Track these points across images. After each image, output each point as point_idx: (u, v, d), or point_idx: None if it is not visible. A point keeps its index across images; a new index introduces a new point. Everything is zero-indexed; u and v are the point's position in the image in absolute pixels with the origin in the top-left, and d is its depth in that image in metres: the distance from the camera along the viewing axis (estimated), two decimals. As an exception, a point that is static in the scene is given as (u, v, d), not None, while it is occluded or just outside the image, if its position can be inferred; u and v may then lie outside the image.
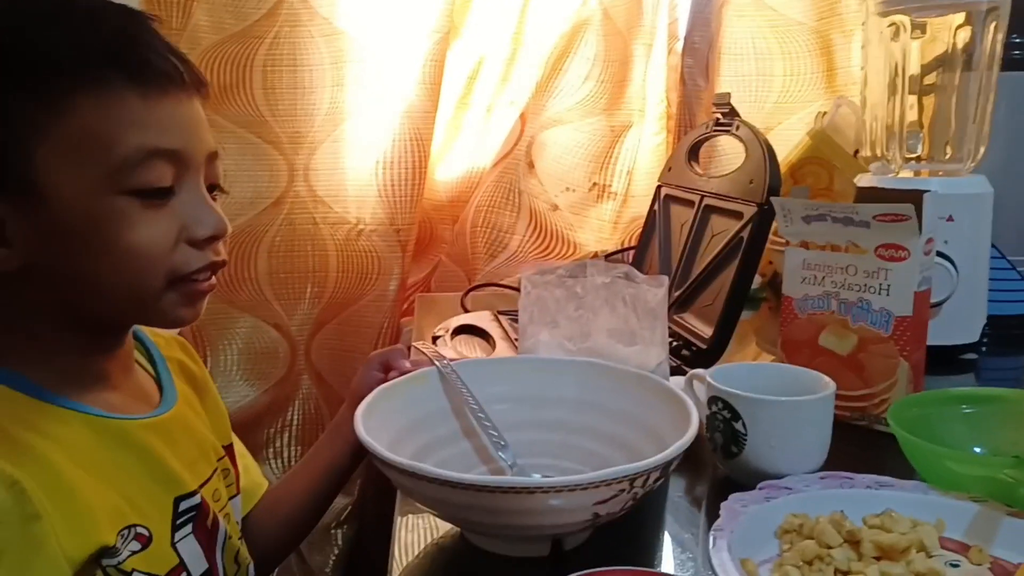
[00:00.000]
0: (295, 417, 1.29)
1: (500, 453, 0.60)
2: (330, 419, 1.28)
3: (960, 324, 0.92)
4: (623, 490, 0.46)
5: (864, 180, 0.99)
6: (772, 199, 0.75)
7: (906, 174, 0.97)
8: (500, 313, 1.03)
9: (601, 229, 1.33)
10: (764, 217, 0.78)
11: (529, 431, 0.64)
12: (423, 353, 0.67)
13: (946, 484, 0.57)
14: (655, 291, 0.64)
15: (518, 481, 0.44)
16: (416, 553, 0.55)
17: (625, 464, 0.48)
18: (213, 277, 0.57)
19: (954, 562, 0.51)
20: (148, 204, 0.52)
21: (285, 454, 1.31)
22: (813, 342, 0.75)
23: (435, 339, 0.95)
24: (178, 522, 0.58)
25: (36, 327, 0.53)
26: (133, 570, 0.51)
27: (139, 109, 0.51)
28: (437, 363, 0.64)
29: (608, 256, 1.25)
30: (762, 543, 0.53)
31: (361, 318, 1.22)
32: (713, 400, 0.62)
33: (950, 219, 0.89)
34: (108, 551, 0.49)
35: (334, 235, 1.20)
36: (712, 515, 0.53)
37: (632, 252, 1.14)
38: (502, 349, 0.91)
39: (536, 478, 0.44)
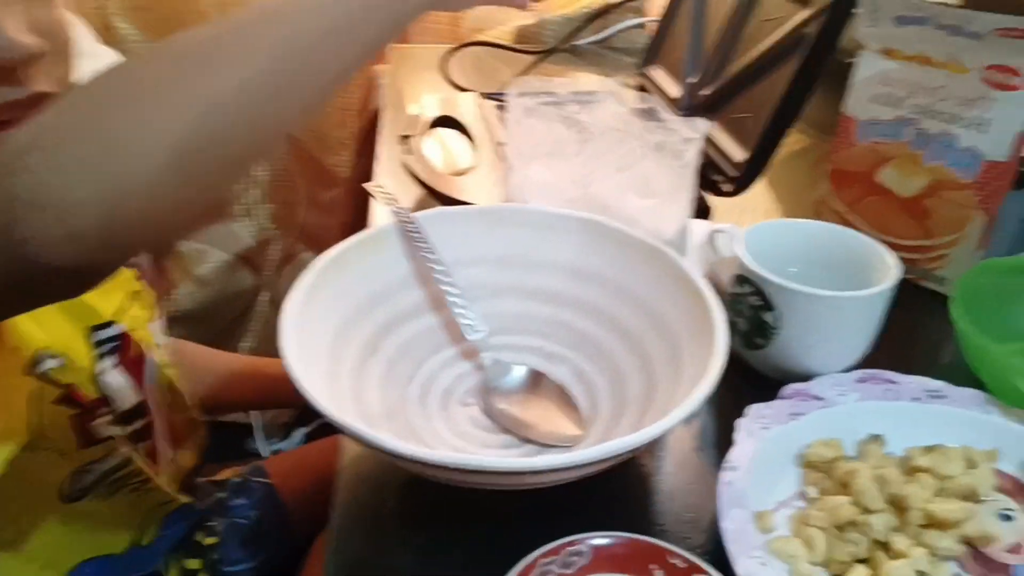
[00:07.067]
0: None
1: (470, 336, 0.49)
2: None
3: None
4: (620, 460, 0.36)
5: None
6: (856, -18, 0.55)
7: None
8: (487, 96, 0.85)
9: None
10: (841, 7, 0.58)
11: (511, 300, 0.52)
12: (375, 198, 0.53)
13: (1012, 399, 0.47)
14: (688, 145, 0.48)
15: (500, 464, 0.34)
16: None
17: (625, 356, 0.47)
18: None
19: (1007, 511, 0.43)
20: None
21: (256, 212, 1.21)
22: (870, 177, 0.61)
23: (405, 138, 0.77)
24: (99, 353, 0.53)
25: None
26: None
27: None
28: (396, 215, 0.50)
29: (620, 31, 1.03)
30: (781, 474, 0.44)
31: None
32: (741, 280, 0.50)
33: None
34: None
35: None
36: (727, 425, 0.44)
37: (654, 26, 0.90)
38: (486, 155, 0.75)
39: (521, 461, 0.34)
